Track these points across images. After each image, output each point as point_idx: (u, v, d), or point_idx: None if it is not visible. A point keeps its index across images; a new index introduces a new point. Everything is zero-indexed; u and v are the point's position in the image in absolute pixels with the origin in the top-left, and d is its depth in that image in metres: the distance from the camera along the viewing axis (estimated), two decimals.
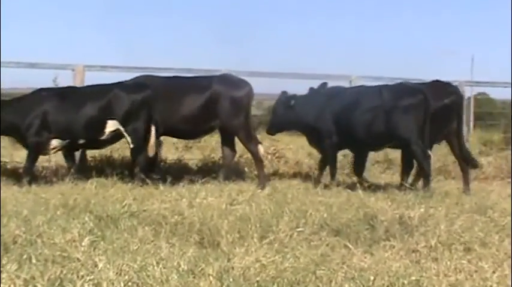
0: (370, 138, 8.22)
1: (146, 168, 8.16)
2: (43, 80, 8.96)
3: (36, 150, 8.08)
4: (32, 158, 8.10)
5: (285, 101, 8.80)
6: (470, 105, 12.42)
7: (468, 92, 12.56)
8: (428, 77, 9.24)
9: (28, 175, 7.95)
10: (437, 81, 8.78)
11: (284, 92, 8.95)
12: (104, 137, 8.18)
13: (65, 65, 9.69)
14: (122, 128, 8.14)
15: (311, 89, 8.85)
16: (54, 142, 8.13)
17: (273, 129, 9.09)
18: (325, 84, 8.85)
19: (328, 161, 8.59)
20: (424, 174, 8.06)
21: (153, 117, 8.26)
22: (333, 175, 8.51)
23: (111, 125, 8.14)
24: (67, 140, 8.13)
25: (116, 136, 8.26)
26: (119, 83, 8.51)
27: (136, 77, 8.80)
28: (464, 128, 11.48)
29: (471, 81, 13.69)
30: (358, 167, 8.79)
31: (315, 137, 8.62)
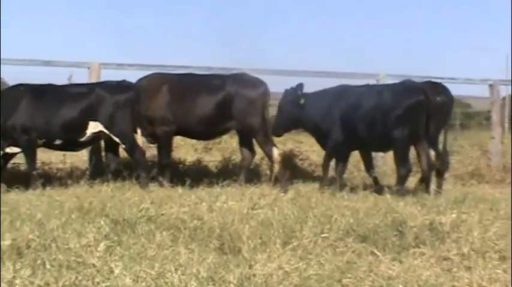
0: (371, 138, 8.33)
1: (146, 162, 8.33)
2: (57, 78, 9.00)
3: (29, 147, 8.12)
4: (30, 158, 8.15)
5: (294, 99, 8.84)
6: (505, 106, 12.29)
7: (503, 92, 12.44)
8: (459, 75, 9.24)
9: (34, 177, 8.01)
10: (428, 81, 8.91)
11: (288, 90, 9.00)
12: (84, 139, 8.23)
13: (81, 62, 9.77)
14: (106, 130, 8.19)
15: (285, 90, 8.96)
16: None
17: (281, 129, 9.11)
18: (301, 85, 8.92)
19: (325, 160, 8.69)
20: (400, 177, 8.11)
21: (138, 120, 8.34)
22: (325, 174, 8.61)
23: (93, 127, 8.19)
24: (43, 140, 8.19)
25: (97, 138, 8.30)
26: (102, 82, 8.59)
27: (149, 75, 8.87)
28: (499, 130, 11.42)
29: (506, 79, 13.55)
30: (368, 166, 8.90)
31: (322, 136, 8.68)
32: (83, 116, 8.16)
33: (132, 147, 8.26)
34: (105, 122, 8.18)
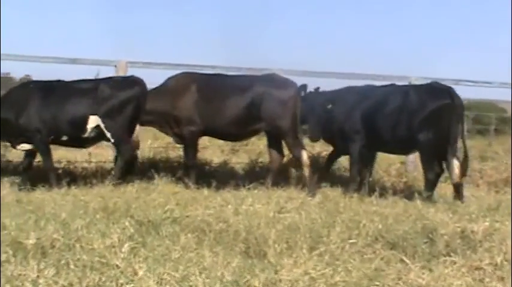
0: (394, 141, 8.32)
1: (130, 158, 8.29)
2: (84, 76, 9.07)
3: (43, 146, 8.23)
4: (46, 155, 8.25)
5: (323, 103, 8.83)
6: None
7: None
8: (493, 78, 9.10)
9: (53, 175, 8.13)
10: (435, 83, 8.74)
11: (305, 85, 9.00)
12: (86, 135, 8.29)
13: (107, 60, 9.85)
14: (101, 124, 8.24)
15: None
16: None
17: (318, 133, 9.09)
18: (304, 86, 8.94)
19: (352, 164, 8.64)
20: (428, 182, 8.06)
21: (139, 116, 8.40)
22: (353, 179, 8.56)
23: (92, 121, 8.24)
24: (51, 137, 8.28)
25: (102, 134, 8.35)
26: (109, 78, 8.69)
27: (178, 74, 8.93)
28: None
29: None
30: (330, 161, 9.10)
31: (344, 138, 8.69)
32: (85, 111, 8.24)
33: (119, 140, 8.25)
34: (102, 116, 8.24)
